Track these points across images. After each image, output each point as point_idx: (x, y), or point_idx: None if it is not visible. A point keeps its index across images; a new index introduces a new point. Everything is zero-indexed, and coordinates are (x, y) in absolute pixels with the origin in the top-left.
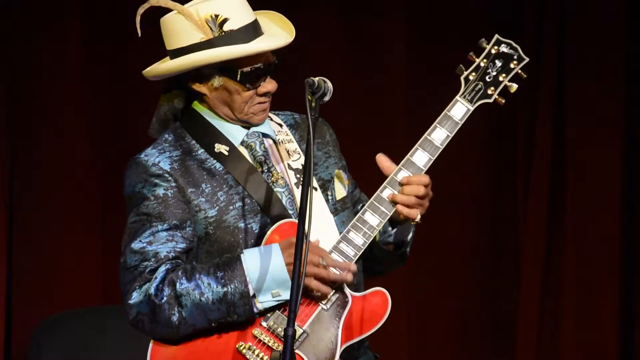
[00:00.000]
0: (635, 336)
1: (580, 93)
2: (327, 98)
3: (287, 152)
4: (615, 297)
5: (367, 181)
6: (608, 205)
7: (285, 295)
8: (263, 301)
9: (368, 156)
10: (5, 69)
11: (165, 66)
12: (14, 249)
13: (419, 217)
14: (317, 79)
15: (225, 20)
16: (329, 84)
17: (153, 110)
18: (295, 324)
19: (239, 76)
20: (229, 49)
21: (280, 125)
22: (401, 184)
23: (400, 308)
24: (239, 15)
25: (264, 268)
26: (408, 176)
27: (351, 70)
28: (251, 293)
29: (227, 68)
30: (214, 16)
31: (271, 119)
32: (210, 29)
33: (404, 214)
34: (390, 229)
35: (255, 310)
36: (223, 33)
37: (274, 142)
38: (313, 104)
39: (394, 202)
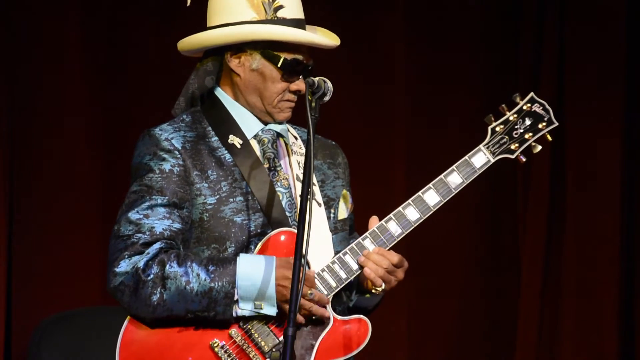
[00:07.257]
0: (635, 336)
1: (580, 93)
2: (327, 98)
3: (298, 163)
4: (615, 297)
5: (366, 183)
6: (608, 205)
7: (267, 310)
8: (244, 308)
9: (368, 156)
10: (5, 69)
11: (216, 32)
12: (14, 249)
13: (382, 287)
14: (317, 78)
15: (280, 7)
16: (329, 84)
17: (153, 110)
18: (274, 334)
19: (280, 62)
20: (286, 29)
21: (296, 138)
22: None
23: (400, 308)
24: (294, 7)
25: (255, 278)
26: (379, 249)
27: (351, 70)
28: (235, 297)
29: (270, 53)
30: (270, 0)
31: (288, 130)
32: (265, 10)
33: (370, 278)
34: (354, 293)
35: (234, 314)
36: (276, 18)
37: (287, 146)
38: (313, 104)
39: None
